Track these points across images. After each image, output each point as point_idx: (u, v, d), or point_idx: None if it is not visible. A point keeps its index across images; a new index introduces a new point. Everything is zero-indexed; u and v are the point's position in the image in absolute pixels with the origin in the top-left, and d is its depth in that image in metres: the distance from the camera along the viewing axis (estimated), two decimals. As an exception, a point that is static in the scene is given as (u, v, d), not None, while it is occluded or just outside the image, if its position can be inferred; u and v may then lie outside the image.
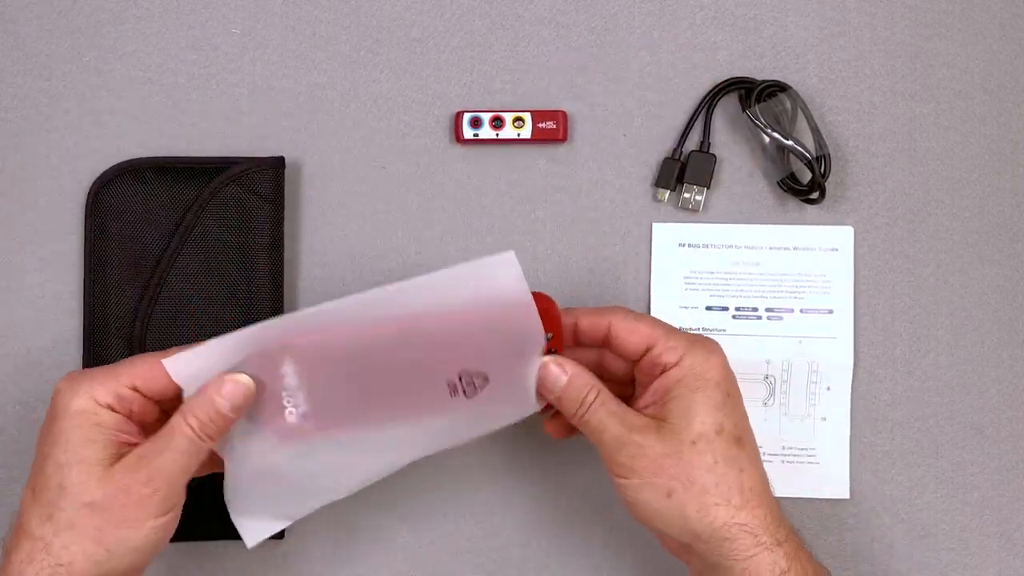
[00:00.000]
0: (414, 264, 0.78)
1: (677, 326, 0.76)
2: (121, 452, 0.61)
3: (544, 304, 0.65)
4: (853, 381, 0.77)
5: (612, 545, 0.77)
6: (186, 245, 0.75)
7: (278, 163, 0.76)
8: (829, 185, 0.76)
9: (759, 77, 0.77)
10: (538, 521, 0.77)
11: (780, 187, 0.77)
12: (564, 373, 0.65)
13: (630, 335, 0.65)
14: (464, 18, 0.79)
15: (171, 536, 0.63)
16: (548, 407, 0.67)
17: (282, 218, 0.76)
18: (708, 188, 0.77)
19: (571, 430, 0.68)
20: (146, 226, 0.76)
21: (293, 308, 0.77)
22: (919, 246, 0.77)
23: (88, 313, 0.76)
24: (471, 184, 0.78)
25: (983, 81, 0.78)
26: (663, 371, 0.64)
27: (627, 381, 0.69)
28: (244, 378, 0.63)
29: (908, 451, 0.77)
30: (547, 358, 0.65)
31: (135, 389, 0.62)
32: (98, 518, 0.60)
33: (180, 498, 0.63)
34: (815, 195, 0.75)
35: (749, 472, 0.63)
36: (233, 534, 0.70)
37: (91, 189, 0.77)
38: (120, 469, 0.61)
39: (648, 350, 0.65)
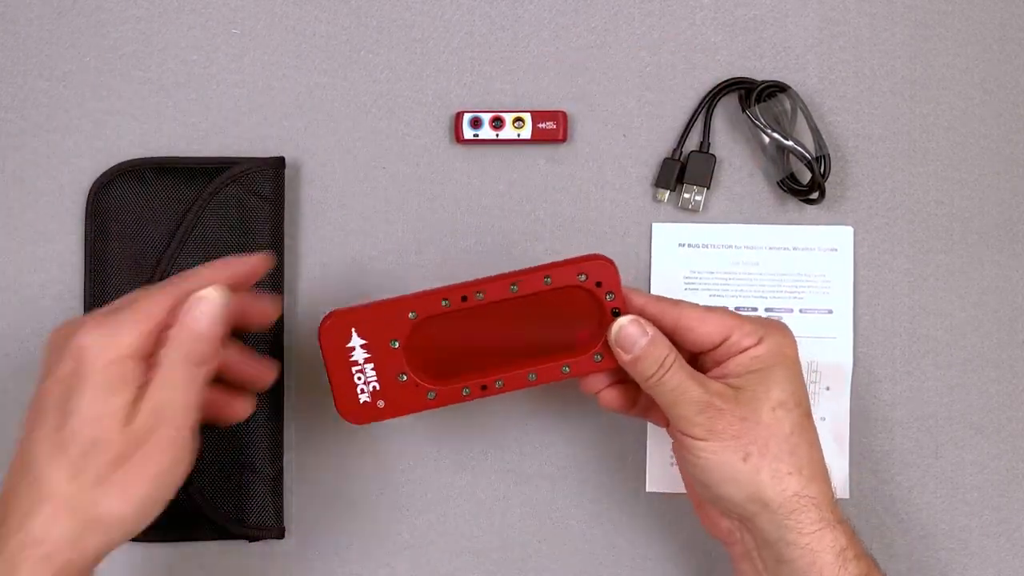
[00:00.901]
0: (414, 264, 0.78)
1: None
2: (137, 400, 0.59)
3: (604, 262, 0.65)
4: (853, 381, 0.76)
5: (612, 545, 0.77)
6: (186, 245, 0.75)
7: (278, 163, 0.76)
8: (829, 185, 0.76)
9: (759, 77, 0.77)
10: (538, 521, 0.77)
11: (780, 187, 0.77)
12: (645, 334, 0.65)
13: (702, 325, 0.66)
14: (464, 18, 0.79)
15: (186, 476, 0.61)
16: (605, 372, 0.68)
17: (282, 218, 0.76)
18: (708, 188, 0.77)
19: (628, 401, 0.69)
20: (146, 226, 0.76)
21: (293, 309, 0.77)
22: (919, 246, 0.77)
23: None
24: (471, 184, 0.78)
25: (983, 81, 0.78)
26: (741, 352, 0.65)
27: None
28: (211, 292, 0.61)
29: (908, 451, 0.77)
30: (627, 318, 0.65)
31: (162, 326, 0.60)
32: (125, 472, 0.58)
33: (194, 438, 0.60)
34: (815, 195, 0.75)
35: (816, 447, 0.65)
36: (233, 534, 0.70)
37: (91, 189, 0.77)
38: (139, 421, 0.58)
39: (724, 340, 0.65)
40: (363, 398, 0.67)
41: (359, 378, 0.67)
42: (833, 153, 0.76)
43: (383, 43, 0.79)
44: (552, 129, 0.77)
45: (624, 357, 0.65)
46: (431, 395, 0.67)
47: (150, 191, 0.76)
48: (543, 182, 0.78)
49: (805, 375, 0.76)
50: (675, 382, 0.64)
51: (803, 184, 0.76)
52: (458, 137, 0.77)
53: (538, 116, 0.77)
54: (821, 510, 0.63)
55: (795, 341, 0.66)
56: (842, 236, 0.77)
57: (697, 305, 0.67)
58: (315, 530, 0.77)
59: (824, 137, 0.76)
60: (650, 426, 0.77)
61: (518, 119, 0.77)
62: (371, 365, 0.66)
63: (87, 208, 0.77)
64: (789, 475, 0.63)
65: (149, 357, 0.60)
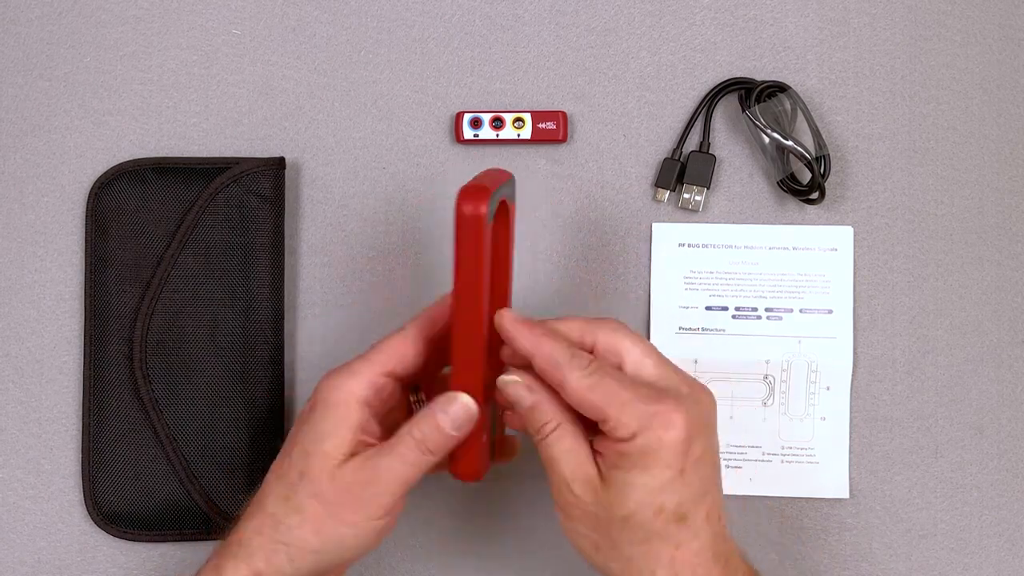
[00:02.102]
0: (414, 265, 0.78)
1: (675, 327, 0.76)
2: (358, 450, 0.63)
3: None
4: (852, 381, 0.77)
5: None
6: (187, 246, 0.75)
7: (278, 163, 0.76)
8: (829, 185, 0.76)
9: (759, 77, 0.77)
10: (538, 521, 0.77)
11: (780, 187, 0.77)
12: (529, 395, 0.62)
13: (580, 405, 0.61)
14: (464, 18, 0.79)
15: (381, 541, 0.64)
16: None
17: (283, 218, 0.76)
18: (708, 188, 0.77)
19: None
20: (147, 226, 0.76)
21: (293, 309, 0.77)
22: (919, 246, 0.77)
23: (88, 313, 0.76)
24: (471, 184, 0.78)
25: (983, 81, 0.78)
26: (617, 440, 0.60)
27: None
28: (467, 399, 0.63)
29: (908, 451, 0.77)
30: (516, 377, 0.63)
31: (388, 374, 0.64)
32: (322, 510, 0.62)
33: (398, 506, 0.63)
34: (815, 195, 0.75)
35: (687, 547, 0.61)
36: None
37: (92, 189, 0.77)
38: (349, 468, 0.62)
39: (602, 422, 0.61)
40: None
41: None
42: (833, 153, 0.76)
43: (383, 43, 0.79)
44: (552, 129, 0.77)
45: (513, 412, 0.65)
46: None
47: (150, 191, 0.76)
48: (543, 182, 0.78)
49: (805, 375, 0.76)
50: (548, 453, 0.62)
51: (803, 184, 0.76)
52: (458, 137, 0.77)
53: (538, 116, 0.77)
54: None
55: (680, 434, 0.59)
56: (842, 236, 0.77)
57: (586, 376, 0.61)
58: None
59: (824, 137, 0.76)
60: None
61: (518, 119, 0.77)
62: None
63: (87, 208, 0.77)
64: (641, 572, 0.61)
65: (376, 405, 0.64)
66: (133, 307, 0.76)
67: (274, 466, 0.65)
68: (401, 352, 0.64)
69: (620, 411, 0.60)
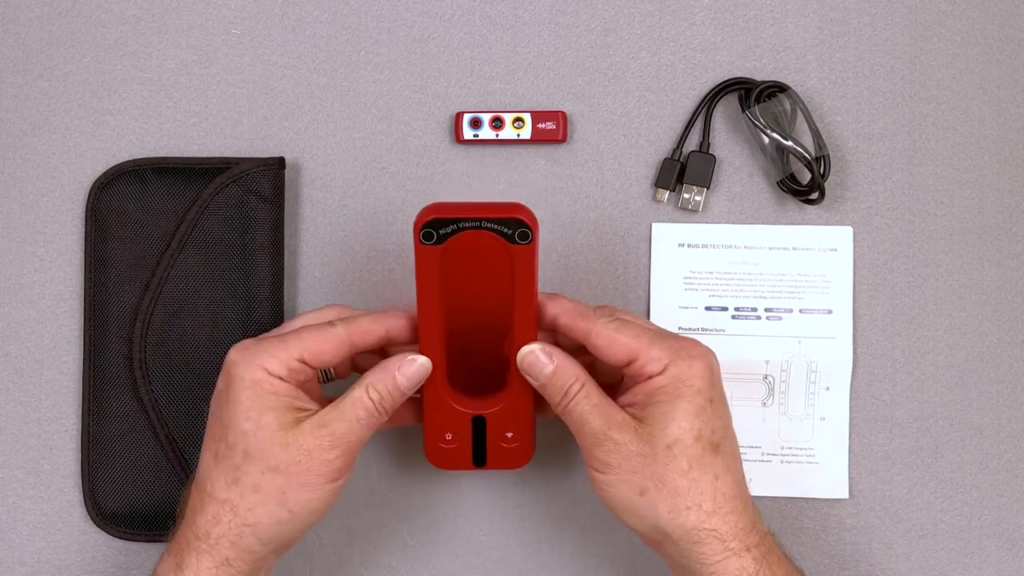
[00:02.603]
0: (413, 265, 0.77)
1: (675, 327, 0.76)
2: (297, 418, 0.63)
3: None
4: (852, 381, 0.76)
5: (614, 545, 0.77)
6: (187, 245, 0.75)
7: (278, 163, 0.76)
8: (829, 185, 0.76)
9: (759, 77, 0.77)
10: (538, 521, 0.77)
11: (780, 187, 0.77)
12: (550, 362, 0.65)
13: (610, 346, 0.65)
14: (464, 18, 0.79)
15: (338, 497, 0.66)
16: None
17: (282, 218, 0.76)
18: (708, 188, 0.77)
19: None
20: (146, 226, 0.76)
21: (293, 309, 0.78)
22: (919, 246, 0.77)
23: (88, 313, 0.76)
24: (471, 184, 0.78)
25: (983, 81, 0.78)
26: (647, 379, 0.64)
27: (617, 373, 0.69)
28: (425, 360, 0.66)
29: (908, 451, 0.77)
30: (535, 345, 0.65)
31: (303, 361, 0.64)
32: (282, 480, 0.62)
33: (351, 465, 0.65)
34: (815, 195, 0.75)
35: (724, 479, 0.64)
36: None
37: (91, 189, 0.77)
38: (304, 434, 0.63)
39: (631, 362, 0.64)
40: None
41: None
42: (833, 153, 0.76)
43: (383, 43, 0.79)
44: (552, 129, 0.77)
45: (533, 383, 0.66)
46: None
47: (150, 191, 0.76)
48: (543, 182, 0.78)
49: (805, 375, 0.76)
50: (577, 413, 0.64)
51: (803, 184, 0.76)
52: (458, 137, 0.77)
53: (538, 116, 0.77)
54: (725, 541, 0.63)
55: (706, 365, 0.64)
56: (842, 236, 0.77)
57: (612, 321, 0.65)
58: (315, 530, 0.77)
59: (824, 137, 0.76)
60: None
61: (518, 119, 0.77)
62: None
63: (87, 208, 0.77)
64: (688, 510, 0.63)
65: (299, 383, 0.64)
66: (133, 307, 0.76)
67: (205, 454, 0.65)
68: (320, 350, 0.65)
69: (650, 347, 0.64)
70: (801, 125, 0.76)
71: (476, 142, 0.77)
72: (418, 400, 0.69)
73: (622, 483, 0.63)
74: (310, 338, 0.64)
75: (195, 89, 0.78)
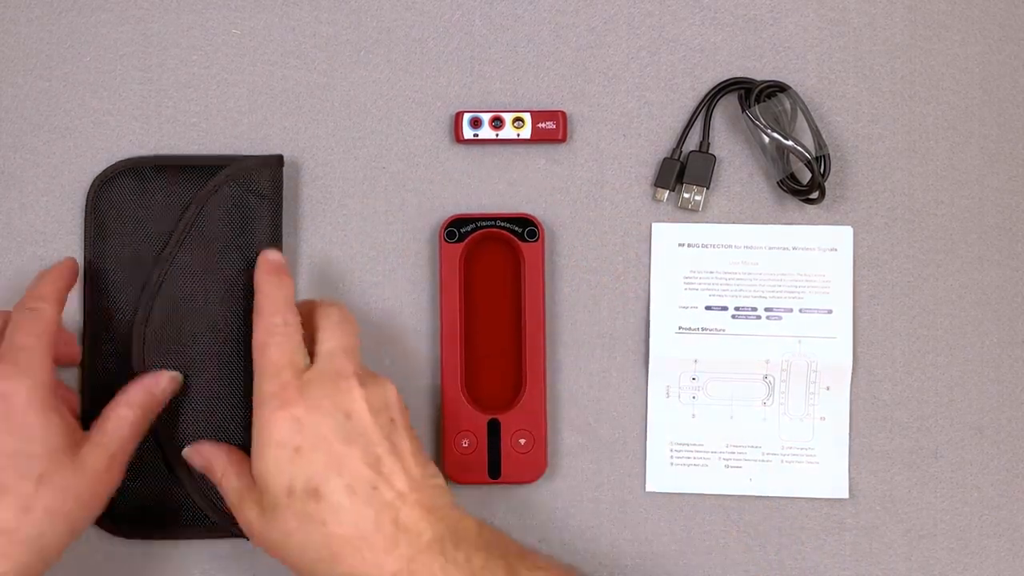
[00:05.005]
0: (413, 265, 0.78)
1: (675, 327, 0.76)
2: (74, 438, 0.66)
3: None
4: (852, 381, 0.76)
5: (613, 545, 0.77)
6: (185, 244, 0.75)
7: (276, 161, 0.76)
8: (829, 185, 0.76)
9: (759, 77, 0.77)
10: (538, 521, 0.77)
11: (780, 187, 0.77)
12: (200, 459, 0.71)
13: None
14: (464, 18, 0.79)
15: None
16: None
17: (280, 216, 0.76)
18: (708, 188, 0.77)
19: None
20: (146, 224, 0.76)
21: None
22: (919, 246, 0.77)
23: (88, 313, 0.76)
24: (471, 184, 0.78)
25: (983, 81, 0.78)
26: None
27: None
28: (177, 375, 0.73)
29: (908, 451, 0.77)
30: (186, 450, 0.73)
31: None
32: (72, 502, 0.64)
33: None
34: (815, 195, 0.75)
35: (333, 520, 0.62)
36: (233, 533, 0.70)
37: (91, 187, 0.77)
38: (87, 457, 0.65)
39: None
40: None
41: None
42: (833, 153, 0.76)
43: (383, 43, 0.79)
44: (552, 129, 0.77)
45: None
46: None
47: (150, 189, 0.76)
48: (543, 182, 0.78)
49: (805, 375, 0.76)
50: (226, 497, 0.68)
51: (803, 184, 0.76)
52: (458, 137, 0.77)
53: (538, 116, 0.77)
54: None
55: (284, 414, 0.64)
56: (842, 236, 0.77)
57: (269, 331, 0.67)
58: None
59: (824, 137, 0.76)
60: (649, 425, 0.77)
61: (518, 119, 0.77)
62: None
63: (87, 206, 0.77)
64: (317, 564, 0.63)
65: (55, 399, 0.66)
66: (132, 305, 0.76)
67: None
68: (49, 337, 0.68)
69: (264, 378, 0.65)
70: (801, 125, 0.76)
71: (476, 142, 0.77)
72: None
73: (268, 554, 0.66)
74: (47, 355, 0.67)
75: (195, 89, 0.78)
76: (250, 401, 0.67)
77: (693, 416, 0.77)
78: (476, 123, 0.77)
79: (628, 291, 0.77)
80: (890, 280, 0.77)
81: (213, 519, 0.74)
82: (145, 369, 0.75)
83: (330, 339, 0.67)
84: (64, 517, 0.64)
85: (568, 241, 0.78)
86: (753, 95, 0.76)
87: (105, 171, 0.77)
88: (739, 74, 0.78)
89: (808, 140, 0.76)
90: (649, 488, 0.77)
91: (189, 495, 0.74)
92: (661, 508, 0.77)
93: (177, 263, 0.75)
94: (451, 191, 0.78)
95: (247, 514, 0.65)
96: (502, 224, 0.76)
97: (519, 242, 0.76)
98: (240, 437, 0.74)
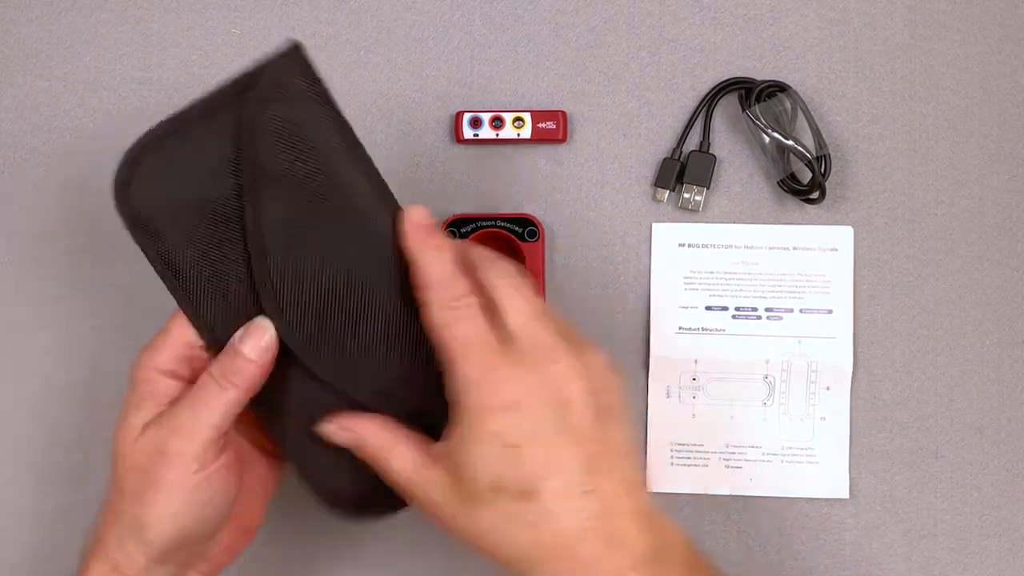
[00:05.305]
0: (414, 264, 0.78)
1: (675, 327, 0.76)
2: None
3: None
4: (852, 381, 0.77)
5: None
6: (258, 188, 0.61)
7: (295, 51, 0.62)
8: (829, 185, 0.76)
9: (759, 77, 0.77)
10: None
11: (780, 187, 0.77)
12: (346, 435, 0.62)
13: (432, 334, 0.60)
14: (464, 18, 0.79)
15: (231, 496, 0.61)
16: None
17: (343, 117, 0.63)
18: (708, 188, 0.77)
19: None
20: (196, 193, 0.62)
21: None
22: (919, 246, 0.77)
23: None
24: (471, 184, 0.78)
25: (983, 81, 0.78)
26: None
27: None
28: (263, 320, 0.60)
29: (908, 451, 0.77)
30: (328, 425, 0.61)
31: (192, 344, 0.62)
32: (137, 481, 0.60)
33: (215, 453, 0.60)
34: (815, 195, 0.75)
35: (544, 523, 0.57)
36: None
37: (116, 194, 0.62)
38: (147, 433, 0.60)
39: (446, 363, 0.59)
40: None
41: None
42: (833, 153, 0.76)
43: (383, 43, 0.79)
44: (552, 129, 0.77)
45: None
46: None
47: (179, 161, 0.62)
48: (543, 182, 0.78)
49: (805, 375, 0.76)
50: (395, 480, 0.61)
51: (803, 184, 0.76)
52: (458, 137, 0.77)
53: (538, 116, 0.77)
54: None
55: (504, 399, 0.57)
56: (842, 236, 0.77)
57: (445, 307, 0.59)
58: (316, 529, 0.77)
59: (824, 137, 0.76)
60: (650, 425, 0.77)
61: (518, 119, 0.77)
62: None
63: (126, 220, 0.62)
64: (518, 563, 0.58)
65: (188, 374, 0.62)
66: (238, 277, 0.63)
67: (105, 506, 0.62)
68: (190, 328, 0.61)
69: (463, 361, 0.58)
70: (801, 124, 0.76)
71: (476, 142, 0.77)
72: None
73: (458, 542, 0.59)
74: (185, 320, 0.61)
75: (195, 89, 0.78)
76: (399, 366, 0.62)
77: (693, 416, 0.77)
78: (476, 123, 0.77)
79: (628, 291, 0.77)
80: (890, 280, 0.77)
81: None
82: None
83: (517, 309, 0.59)
84: (132, 496, 0.60)
85: (568, 241, 0.78)
86: (753, 95, 0.76)
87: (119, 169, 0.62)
88: (739, 74, 0.78)
89: (808, 140, 0.76)
90: (649, 488, 0.77)
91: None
92: (661, 508, 0.77)
93: (266, 212, 0.61)
94: (451, 191, 0.78)
95: (439, 499, 0.58)
96: (502, 224, 0.76)
97: (519, 242, 0.76)
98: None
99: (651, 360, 0.77)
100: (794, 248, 0.77)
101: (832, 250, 0.77)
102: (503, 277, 0.61)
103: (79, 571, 0.62)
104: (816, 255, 0.77)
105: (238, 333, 0.61)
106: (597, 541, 0.57)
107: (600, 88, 0.78)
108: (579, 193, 0.78)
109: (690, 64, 0.78)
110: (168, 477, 0.59)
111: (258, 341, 0.60)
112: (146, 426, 0.60)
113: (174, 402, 0.61)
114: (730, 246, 0.77)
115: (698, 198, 0.77)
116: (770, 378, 0.77)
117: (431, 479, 0.59)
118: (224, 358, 0.60)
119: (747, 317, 0.77)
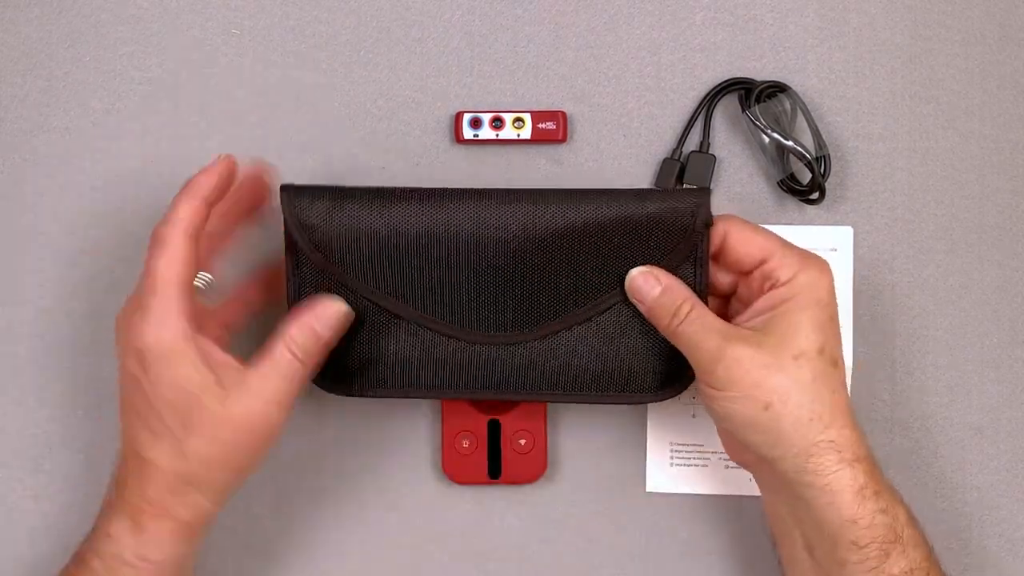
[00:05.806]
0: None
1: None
2: (224, 381, 0.64)
3: None
4: (853, 381, 0.76)
5: (612, 546, 0.77)
6: None
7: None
8: (829, 185, 0.76)
9: (759, 77, 0.77)
10: (539, 522, 0.77)
11: (780, 187, 0.77)
12: (658, 283, 0.67)
13: (746, 245, 0.67)
14: (464, 18, 0.79)
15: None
16: None
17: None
18: (708, 188, 0.77)
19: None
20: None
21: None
22: (919, 246, 0.77)
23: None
24: (471, 184, 0.78)
25: (983, 81, 0.78)
26: (772, 287, 0.66)
27: (725, 299, 0.71)
28: (339, 302, 0.67)
29: (908, 451, 0.77)
30: (638, 269, 0.68)
31: (192, 305, 0.64)
32: (228, 448, 0.64)
33: (287, 419, 0.65)
34: (815, 195, 0.75)
35: (840, 393, 0.65)
36: None
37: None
38: (234, 404, 0.63)
39: (763, 262, 0.67)
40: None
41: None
42: (833, 153, 0.76)
43: (383, 43, 0.79)
44: (552, 129, 0.77)
45: (640, 307, 0.67)
46: None
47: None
48: (543, 182, 0.78)
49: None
50: (691, 332, 0.66)
51: (803, 184, 0.76)
52: (458, 137, 0.77)
53: (538, 116, 0.77)
54: (841, 452, 0.64)
55: (831, 280, 0.66)
56: (842, 236, 0.77)
57: (746, 223, 0.68)
58: (315, 527, 0.77)
59: (824, 137, 0.76)
60: (650, 425, 0.77)
61: (518, 119, 0.77)
62: None
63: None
64: (811, 422, 0.64)
65: (211, 330, 0.67)
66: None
67: (134, 433, 0.64)
68: (178, 272, 0.64)
69: (782, 251, 0.66)
70: (801, 125, 0.76)
71: (476, 142, 0.77)
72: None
73: (745, 399, 0.64)
74: (169, 275, 0.64)
75: (195, 89, 0.78)
76: None
77: (693, 416, 0.77)
78: (476, 123, 0.77)
79: (628, 291, 0.77)
80: (890, 280, 0.77)
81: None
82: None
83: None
84: (219, 463, 0.64)
85: (568, 241, 0.78)
86: (753, 95, 0.76)
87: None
88: (739, 74, 0.78)
89: (808, 140, 0.76)
90: (649, 488, 0.77)
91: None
92: (661, 508, 0.77)
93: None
94: (451, 191, 0.78)
95: (738, 355, 0.64)
96: None
97: None
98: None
99: (651, 360, 0.77)
100: (794, 248, 0.77)
101: (832, 250, 0.77)
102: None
103: (123, 527, 0.64)
104: (816, 255, 0.77)
105: (310, 310, 0.66)
106: (854, 417, 0.66)
107: (600, 88, 0.78)
108: (579, 193, 0.78)
109: (690, 64, 0.78)
110: (251, 444, 0.65)
111: (331, 321, 0.67)
112: (222, 399, 0.63)
113: (251, 373, 0.64)
114: (730, 246, 0.77)
115: (698, 198, 0.77)
116: (770, 378, 0.76)
117: (737, 335, 0.65)
118: (302, 338, 0.66)
119: (747, 317, 0.77)
